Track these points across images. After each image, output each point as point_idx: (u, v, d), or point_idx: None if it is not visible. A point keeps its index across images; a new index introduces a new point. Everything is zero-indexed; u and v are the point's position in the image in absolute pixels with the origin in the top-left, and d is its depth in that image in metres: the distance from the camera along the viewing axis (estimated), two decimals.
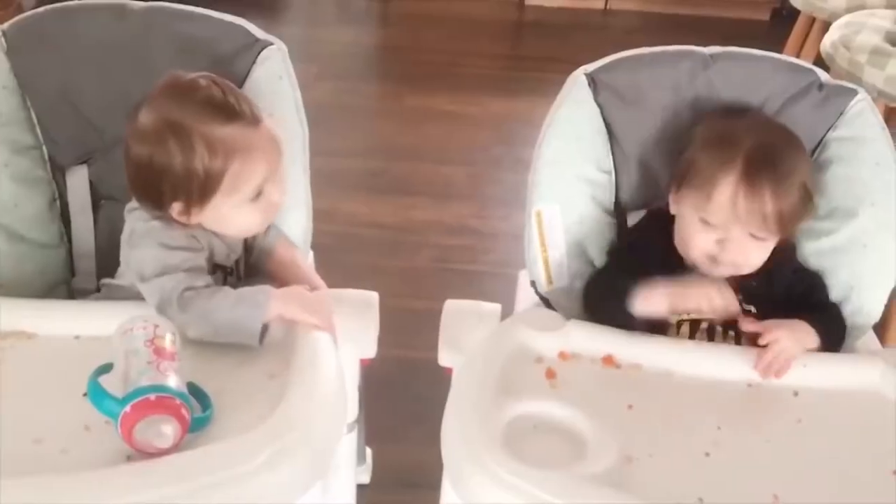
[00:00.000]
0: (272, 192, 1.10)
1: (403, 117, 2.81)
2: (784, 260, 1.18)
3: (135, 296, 1.07)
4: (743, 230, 1.10)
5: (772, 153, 1.10)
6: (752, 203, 1.08)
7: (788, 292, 1.16)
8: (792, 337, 1.08)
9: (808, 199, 1.12)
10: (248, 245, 1.19)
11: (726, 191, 1.09)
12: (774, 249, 1.15)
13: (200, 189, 1.05)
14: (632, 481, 0.89)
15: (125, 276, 1.13)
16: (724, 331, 1.16)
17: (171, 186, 1.05)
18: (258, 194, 1.08)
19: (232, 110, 1.05)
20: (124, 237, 1.10)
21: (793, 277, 1.18)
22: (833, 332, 1.14)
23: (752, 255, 1.13)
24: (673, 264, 1.16)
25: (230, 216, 1.09)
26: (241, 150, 1.05)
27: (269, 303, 1.02)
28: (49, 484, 0.81)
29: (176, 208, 1.07)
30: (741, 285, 1.15)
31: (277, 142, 1.10)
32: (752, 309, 1.16)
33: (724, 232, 1.11)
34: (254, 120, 1.07)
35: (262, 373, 0.99)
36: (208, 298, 1.02)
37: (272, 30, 1.24)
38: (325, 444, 0.95)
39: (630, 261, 1.17)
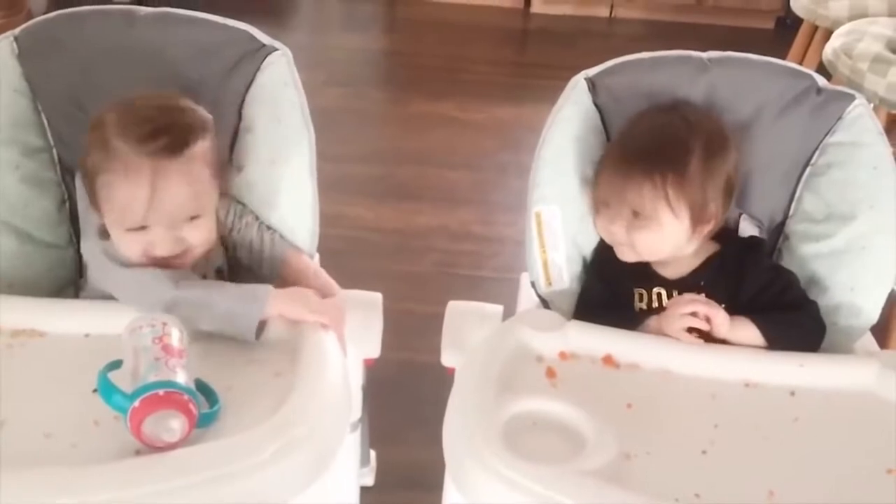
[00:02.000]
0: (157, 235, 1.05)
1: (409, 123, 2.83)
2: (756, 260, 1.20)
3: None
4: (616, 212, 1.16)
5: (644, 138, 1.16)
6: (614, 181, 1.15)
7: (762, 291, 1.17)
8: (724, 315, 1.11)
9: (684, 186, 1.13)
10: (231, 256, 1.20)
11: (598, 173, 1.19)
12: (743, 249, 1.19)
13: (90, 190, 1.08)
14: (630, 478, 0.90)
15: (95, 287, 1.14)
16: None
17: (88, 187, 1.08)
18: (140, 228, 1.05)
19: (147, 128, 1.03)
20: (101, 277, 1.11)
21: (766, 276, 1.19)
22: (788, 330, 1.13)
23: (637, 238, 1.15)
24: (639, 270, 1.19)
25: (114, 236, 1.08)
26: (121, 166, 1.03)
27: (267, 300, 1.04)
28: (59, 476, 0.83)
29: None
30: (712, 288, 1.17)
31: (164, 186, 1.03)
32: (721, 304, 1.16)
33: (606, 214, 1.17)
34: (171, 148, 1.03)
35: (269, 371, 1.01)
36: (207, 290, 1.04)
37: (279, 36, 1.25)
38: (329, 442, 0.96)
39: (602, 283, 1.21)
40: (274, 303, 1.04)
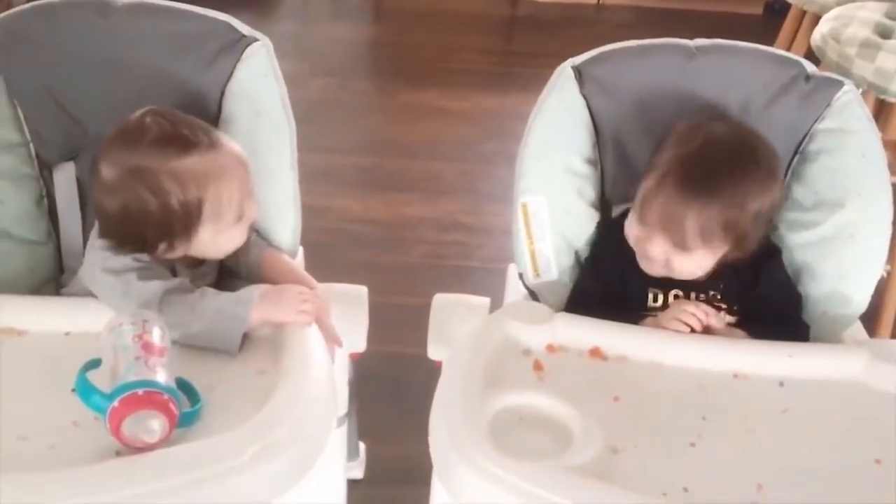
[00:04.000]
0: (251, 209, 1.12)
1: (396, 113, 2.81)
2: (772, 271, 1.19)
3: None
4: (663, 237, 1.12)
5: (710, 166, 1.10)
6: (673, 212, 1.10)
7: (767, 302, 1.17)
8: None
9: (740, 220, 1.10)
10: (226, 265, 1.19)
11: (655, 192, 1.12)
12: (761, 254, 1.18)
13: (183, 224, 1.07)
14: (617, 472, 0.90)
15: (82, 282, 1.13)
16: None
17: (153, 230, 1.06)
18: (240, 216, 1.10)
19: (187, 141, 1.06)
20: (86, 280, 1.09)
21: (776, 290, 1.18)
22: None
23: (676, 262, 1.13)
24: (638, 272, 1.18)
25: (216, 241, 1.10)
26: (212, 175, 1.06)
27: (249, 316, 1.03)
28: (37, 480, 0.82)
29: (161, 248, 1.08)
30: (728, 290, 1.17)
31: (242, 159, 1.11)
32: (733, 307, 1.17)
33: (650, 233, 1.13)
34: (212, 144, 1.08)
35: (252, 369, 1.00)
36: (190, 307, 1.02)
37: (264, 26, 1.24)
38: (314, 440, 0.95)
39: (595, 281, 1.20)
40: (256, 315, 1.03)
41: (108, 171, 1.06)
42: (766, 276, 1.18)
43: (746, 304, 1.17)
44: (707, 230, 1.10)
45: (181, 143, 1.06)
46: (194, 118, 1.11)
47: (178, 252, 1.10)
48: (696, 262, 1.14)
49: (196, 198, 1.06)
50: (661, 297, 1.19)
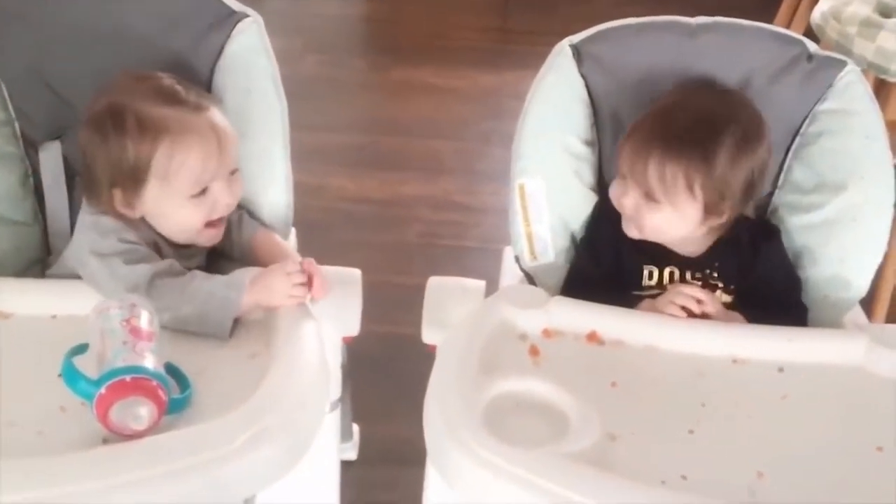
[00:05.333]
0: (221, 191, 1.08)
1: (390, 91, 2.79)
2: (770, 251, 1.17)
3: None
4: (633, 187, 1.12)
5: (680, 116, 1.11)
6: (638, 156, 1.10)
7: (765, 284, 1.16)
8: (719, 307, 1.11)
9: (705, 180, 1.09)
10: (219, 250, 1.18)
11: (625, 140, 1.13)
12: (759, 235, 1.17)
13: (132, 172, 1.05)
14: (615, 460, 0.89)
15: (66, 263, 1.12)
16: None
17: (107, 171, 1.05)
18: (203, 191, 1.07)
19: (173, 96, 1.06)
20: (75, 256, 1.08)
21: (775, 272, 1.17)
22: None
23: (646, 215, 1.12)
24: (650, 247, 1.17)
25: (170, 210, 1.08)
26: (171, 130, 1.04)
27: (241, 300, 1.01)
28: (23, 467, 0.80)
29: (117, 197, 1.06)
30: (725, 269, 1.15)
31: (220, 132, 1.08)
32: (730, 286, 1.16)
33: (625, 185, 1.13)
34: (196, 107, 1.06)
35: (243, 353, 0.99)
36: (180, 290, 1.01)
37: (257, 2, 1.21)
38: (307, 425, 0.94)
39: (592, 262, 1.19)
40: (248, 299, 1.02)
41: (95, 103, 1.07)
42: (765, 256, 1.17)
43: (744, 285, 1.16)
44: (668, 177, 1.09)
45: (166, 94, 1.06)
46: (203, 91, 1.11)
47: (136, 212, 1.08)
48: (665, 219, 1.12)
49: (149, 148, 1.04)
50: (655, 275, 1.17)
